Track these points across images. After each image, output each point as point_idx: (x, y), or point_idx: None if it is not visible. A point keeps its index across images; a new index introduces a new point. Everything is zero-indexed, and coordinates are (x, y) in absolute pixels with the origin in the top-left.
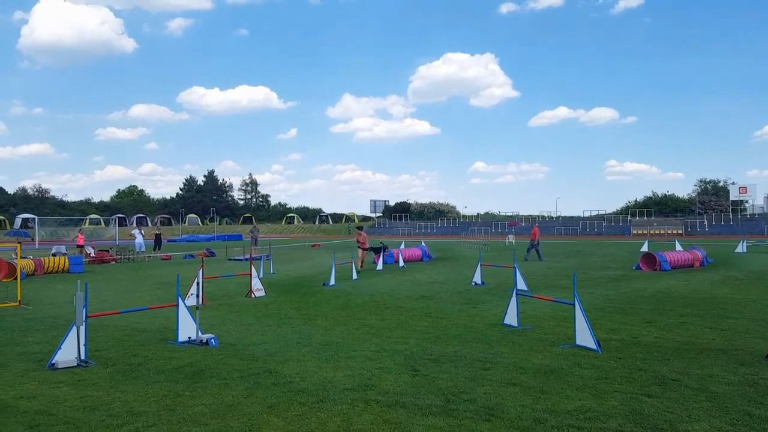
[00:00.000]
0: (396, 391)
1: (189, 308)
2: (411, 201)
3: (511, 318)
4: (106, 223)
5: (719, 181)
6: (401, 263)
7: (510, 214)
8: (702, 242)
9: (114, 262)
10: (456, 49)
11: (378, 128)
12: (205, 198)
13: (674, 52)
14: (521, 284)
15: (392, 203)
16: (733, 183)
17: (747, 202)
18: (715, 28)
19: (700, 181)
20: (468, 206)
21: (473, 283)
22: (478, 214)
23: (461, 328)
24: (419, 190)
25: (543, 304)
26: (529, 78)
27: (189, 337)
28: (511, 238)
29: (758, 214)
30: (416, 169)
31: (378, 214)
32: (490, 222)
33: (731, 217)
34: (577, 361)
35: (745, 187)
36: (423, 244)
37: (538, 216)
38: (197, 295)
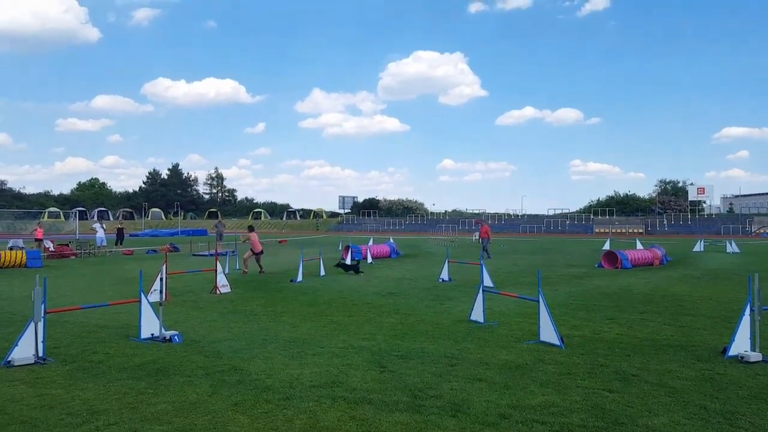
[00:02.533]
0: (363, 388)
1: (152, 304)
2: (380, 197)
3: (478, 314)
4: (66, 217)
5: (679, 182)
6: (369, 260)
7: (477, 211)
8: (662, 241)
9: (74, 257)
10: (426, 47)
11: (348, 124)
12: (169, 192)
13: (638, 55)
14: (487, 281)
15: (361, 199)
16: (691, 184)
17: (705, 202)
18: (677, 33)
19: (661, 181)
20: (436, 203)
21: (440, 280)
22: (446, 211)
23: (428, 325)
24: (388, 187)
25: (509, 300)
26: (497, 78)
27: (152, 334)
28: (477, 236)
29: (715, 215)
30: (385, 166)
31: (346, 211)
32: (457, 219)
33: (690, 217)
34: (541, 356)
35: (703, 188)
36: (391, 240)
37: (504, 214)
38: (160, 291)
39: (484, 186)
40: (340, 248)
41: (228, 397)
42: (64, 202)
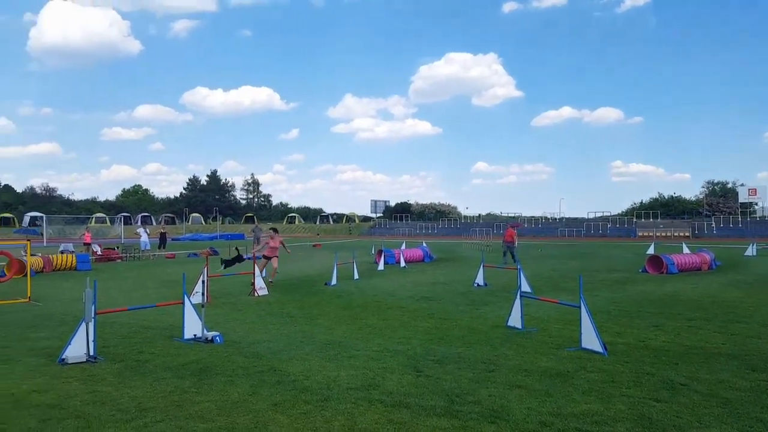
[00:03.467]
0: (400, 392)
1: (194, 306)
2: (412, 201)
3: (515, 320)
4: (112, 222)
5: (728, 183)
6: (402, 264)
7: (512, 215)
8: (710, 245)
9: (120, 260)
10: (458, 48)
11: (379, 128)
12: (208, 197)
13: (681, 51)
14: (525, 286)
15: (393, 204)
16: (742, 185)
17: (757, 204)
18: (723, 27)
19: (708, 182)
20: (469, 207)
21: (476, 285)
22: (479, 215)
23: (464, 330)
24: (420, 191)
25: (547, 306)
26: (533, 77)
27: (194, 335)
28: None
29: None
30: (417, 170)
31: (379, 215)
32: (492, 223)
33: (740, 219)
34: (583, 364)
35: (755, 189)
36: (424, 244)
37: (541, 217)
38: (202, 293)
39: (520, 189)
40: (373, 252)
41: (268, 397)
42: (110, 207)
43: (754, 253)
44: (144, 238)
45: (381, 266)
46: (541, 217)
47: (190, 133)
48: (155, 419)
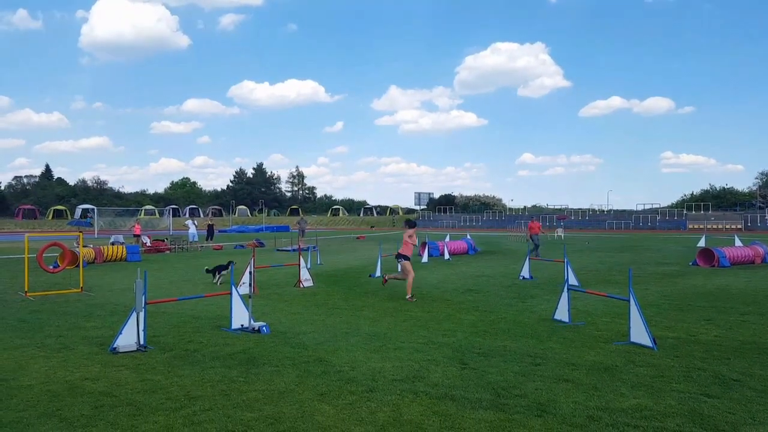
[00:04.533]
0: (445, 384)
1: (242, 297)
2: (456, 194)
3: (562, 313)
4: (161, 214)
5: None
6: (446, 256)
7: (559, 207)
8: (763, 238)
9: (169, 252)
10: (504, 38)
11: (423, 120)
12: (254, 190)
13: (734, 40)
14: (572, 279)
15: (437, 196)
16: None
17: None
18: None
19: (762, 173)
20: (515, 199)
21: (521, 277)
22: (525, 207)
23: (510, 323)
24: (465, 183)
25: (595, 299)
26: (581, 67)
27: (242, 325)
28: (560, 232)
29: None
30: (462, 161)
31: (422, 207)
32: (538, 215)
33: None
34: (632, 358)
35: None
36: (468, 236)
37: (589, 209)
38: (249, 284)
39: (567, 180)
40: (417, 244)
41: (314, 387)
42: (159, 200)
43: None
44: (192, 229)
45: (425, 258)
46: (589, 209)
47: (237, 127)
48: (203, 408)
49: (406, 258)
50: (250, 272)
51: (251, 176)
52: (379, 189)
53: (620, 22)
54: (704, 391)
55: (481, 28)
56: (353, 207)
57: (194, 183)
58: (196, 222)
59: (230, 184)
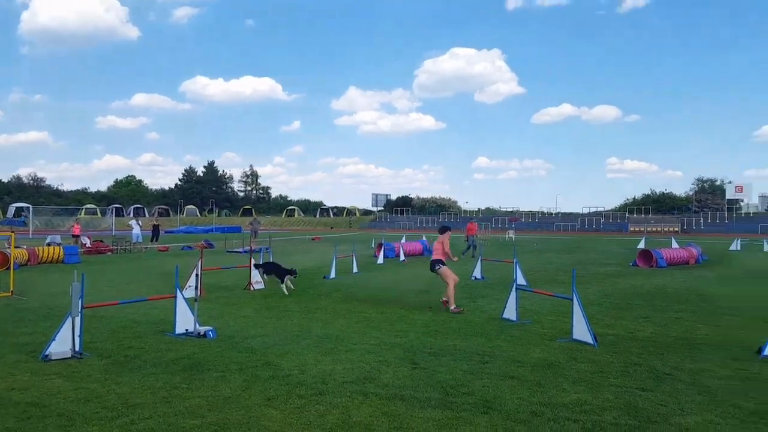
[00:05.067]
0: (395, 384)
1: (187, 300)
2: (413, 195)
3: (510, 312)
4: (103, 214)
5: (716, 180)
6: (402, 257)
7: (511, 209)
8: (698, 240)
9: (110, 253)
10: (463, 44)
11: (382, 122)
12: (204, 189)
13: (678, 52)
14: (521, 279)
15: (394, 197)
16: (729, 182)
17: (743, 200)
18: (717, 30)
19: (698, 179)
20: (469, 201)
21: (473, 278)
22: (479, 209)
23: (461, 322)
24: (423, 185)
25: (542, 298)
26: (535, 74)
27: (186, 330)
28: (511, 234)
29: (753, 213)
30: (420, 164)
31: (380, 208)
32: (491, 217)
33: (727, 215)
34: (574, 355)
35: (741, 186)
36: (424, 238)
37: (539, 212)
38: (196, 287)
39: (520, 184)
40: (373, 245)
41: (261, 392)
42: (101, 199)
43: (739, 248)
44: (136, 230)
45: (380, 260)
46: (539, 212)
47: (188, 123)
48: (143, 416)
49: (442, 263)
50: (197, 274)
51: (202, 175)
52: (336, 190)
53: (572, 32)
54: (639, 385)
55: (440, 33)
56: (309, 208)
57: (140, 181)
58: (140, 222)
59: (179, 183)
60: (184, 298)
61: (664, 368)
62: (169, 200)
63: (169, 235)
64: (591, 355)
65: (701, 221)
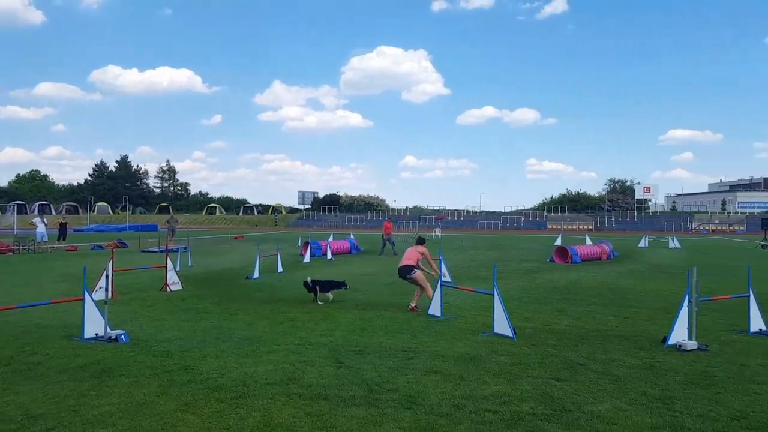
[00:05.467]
0: (319, 384)
1: (96, 302)
2: (341, 193)
3: (435, 309)
4: (3, 211)
5: (627, 181)
6: (329, 256)
7: (437, 208)
8: (610, 237)
9: (12, 253)
10: (390, 42)
11: (309, 118)
12: (117, 185)
13: (592, 58)
14: (446, 276)
15: (322, 195)
16: (638, 183)
17: (650, 200)
18: (628, 38)
19: (610, 180)
20: (397, 200)
21: None
22: (407, 207)
23: (387, 320)
24: (351, 183)
25: (465, 294)
26: (460, 76)
27: (96, 334)
28: (438, 232)
29: (659, 212)
30: (347, 161)
31: (306, 206)
32: (418, 216)
33: (636, 214)
34: (495, 348)
35: (649, 187)
36: (352, 236)
37: (463, 211)
38: (106, 289)
39: (446, 183)
40: (300, 244)
41: (177, 397)
42: (1, 195)
43: (646, 245)
44: (41, 228)
45: (307, 258)
46: (464, 211)
47: (99, 115)
48: (46, 427)
49: (416, 269)
50: (107, 275)
51: (114, 170)
52: (261, 187)
53: (494, 35)
54: (555, 375)
55: (367, 31)
56: (232, 205)
57: (45, 176)
58: (46, 220)
59: (89, 179)
60: (93, 300)
61: (577, 359)
62: (78, 197)
63: (78, 233)
64: (511, 347)
65: (613, 220)
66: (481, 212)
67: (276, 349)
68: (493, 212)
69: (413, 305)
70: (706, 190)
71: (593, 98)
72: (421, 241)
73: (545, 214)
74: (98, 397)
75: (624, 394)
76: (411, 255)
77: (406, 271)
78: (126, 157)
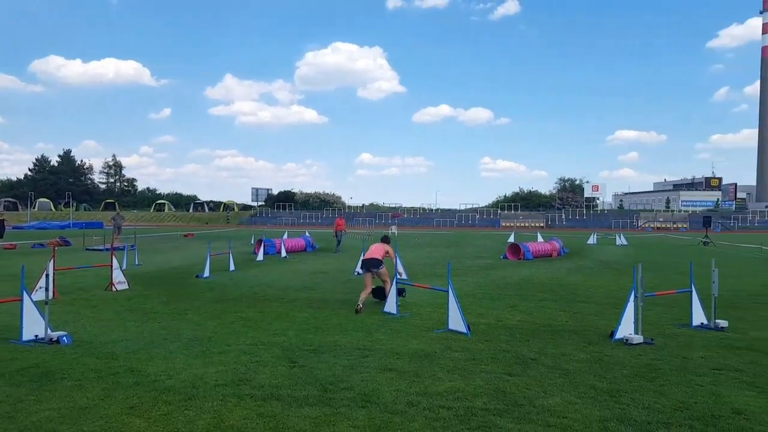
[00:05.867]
0: (272, 384)
1: (36, 303)
2: (296, 190)
3: (391, 306)
4: None
5: (576, 180)
6: (283, 254)
7: (394, 205)
8: (560, 234)
9: None
10: (345, 39)
11: (263, 113)
12: (59, 180)
13: (543, 60)
14: (402, 273)
15: (276, 192)
16: (587, 182)
17: (598, 199)
18: (578, 41)
19: (560, 179)
20: (353, 197)
21: (356, 273)
22: (363, 205)
23: (342, 318)
24: (306, 180)
25: (421, 291)
26: (415, 74)
27: (36, 336)
28: (394, 229)
29: (607, 210)
30: (303, 158)
31: (260, 203)
32: (374, 213)
33: (585, 212)
34: (449, 344)
35: (597, 186)
36: (307, 234)
37: (420, 208)
38: (46, 288)
39: (402, 180)
40: (252, 242)
41: (123, 401)
42: None
43: (595, 242)
44: None
45: (260, 256)
46: (420, 208)
47: (40, 107)
48: None
49: (382, 264)
50: (47, 274)
51: (56, 165)
52: (212, 183)
53: (450, 35)
54: (507, 370)
55: (321, 25)
56: (181, 202)
57: None
58: None
59: (29, 174)
60: (32, 300)
61: (529, 353)
62: (18, 192)
63: (17, 231)
64: (464, 343)
65: (563, 217)
66: (436, 210)
67: (227, 350)
68: (449, 210)
69: (360, 306)
70: (651, 189)
71: (544, 98)
72: (386, 239)
73: (499, 212)
74: (37, 402)
75: (574, 387)
76: (378, 250)
77: (374, 264)
78: (69, 151)
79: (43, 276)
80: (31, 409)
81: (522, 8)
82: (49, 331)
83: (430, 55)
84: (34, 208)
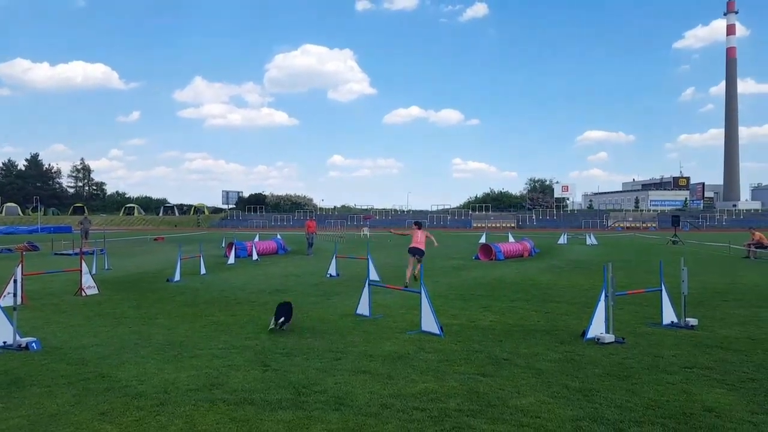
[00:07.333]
0: (245, 388)
1: (4, 309)
2: (267, 193)
3: (364, 308)
4: None
5: (546, 181)
6: (255, 257)
7: (365, 207)
8: (531, 235)
9: None
10: (315, 41)
11: (233, 116)
12: (26, 185)
13: (512, 61)
14: (374, 275)
15: (247, 195)
16: (557, 182)
17: (568, 199)
18: (546, 43)
19: (531, 179)
20: (325, 199)
21: (328, 275)
22: (335, 207)
23: (315, 320)
24: (277, 182)
25: (394, 293)
26: (385, 76)
27: (4, 342)
28: (366, 231)
29: (577, 210)
30: (274, 160)
31: (231, 206)
32: (346, 215)
33: (555, 212)
34: (422, 345)
35: (567, 186)
36: (278, 236)
37: (391, 209)
38: (14, 294)
39: (373, 182)
40: (224, 245)
41: (94, 407)
42: None
43: (565, 242)
44: None
45: (231, 260)
46: (391, 210)
47: (6, 111)
48: None
49: (424, 253)
50: (16, 280)
51: (24, 169)
52: (182, 186)
53: (419, 37)
54: (481, 371)
55: (291, 28)
56: (151, 205)
57: None
58: None
59: None
60: (0, 306)
61: (502, 354)
62: None
63: None
64: (437, 345)
65: (534, 218)
66: (408, 211)
67: (199, 354)
68: (420, 211)
69: (407, 282)
70: (620, 189)
71: (513, 100)
72: (419, 224)
73: (470, 212)
74: (6, 410)
75: (546, 387)
76: (422, 239)
77: (420, 253)
78: (37, 155)
79: (11, 281)
80: (0, 417)
81: (490, 10)
82: (17, 337)
83: (400, 57)
84: (1, 212)
